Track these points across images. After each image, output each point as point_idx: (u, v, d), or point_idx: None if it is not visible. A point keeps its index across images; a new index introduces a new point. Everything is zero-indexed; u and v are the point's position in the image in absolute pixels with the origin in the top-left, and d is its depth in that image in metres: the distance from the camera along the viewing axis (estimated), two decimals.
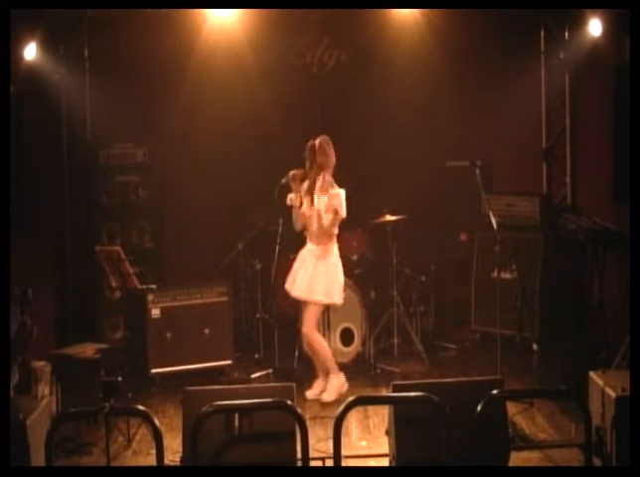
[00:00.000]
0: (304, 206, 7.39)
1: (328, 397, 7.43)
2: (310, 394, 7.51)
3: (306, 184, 7.39)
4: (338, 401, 7.10)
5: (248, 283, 8.86)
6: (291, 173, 7.37)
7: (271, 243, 8.39)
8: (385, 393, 7.27)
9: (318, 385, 7.59)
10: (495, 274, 7.81)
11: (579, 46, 8.42)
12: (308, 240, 7.51)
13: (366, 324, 8.29)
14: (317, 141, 7.31)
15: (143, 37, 8.71)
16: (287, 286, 7.56)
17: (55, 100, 8.83)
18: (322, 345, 7.56)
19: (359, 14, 8.57)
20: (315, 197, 7.34)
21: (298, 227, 7.49)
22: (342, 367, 7.84)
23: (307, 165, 7.37)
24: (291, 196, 7.41)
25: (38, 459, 5.41)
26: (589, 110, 8.85)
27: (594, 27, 7.93)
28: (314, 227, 7.41)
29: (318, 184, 7.32)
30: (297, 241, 7.73)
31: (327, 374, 7.56)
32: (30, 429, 5.47)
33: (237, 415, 5.45)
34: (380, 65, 9.28)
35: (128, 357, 8.20)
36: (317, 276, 7.38)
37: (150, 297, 8.07)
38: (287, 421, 5.34)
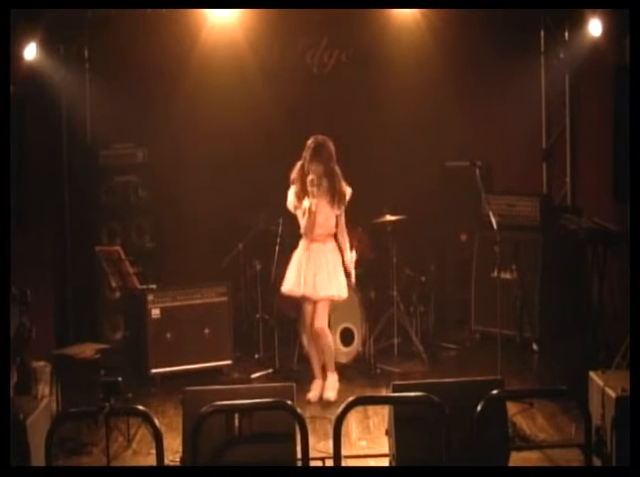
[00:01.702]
0: (313, 206, 7.33)
1: (333, 395, 7.44)
2: (313, 396, 7.48)
3: (313, 182, 7.27)
4: (338, 401, 7.13)
5: (248, 283, 8.86)
6: (309, 179, 7.26)
7: (271, 243, 8.39)
8: (385, 393, 7.27)
9: (317, 386, 7.57)
10: (495, 274, 7.80)
11: (579, 46, 8.42)
12: (314, 240, 7.42)
13: (366, 324, 8.29)
14: (322, 139, 7.28)
15: (143, 37, 8.72)
16: (296, 288, 7.46)
17: (55, 100, 8.82)
18: (331, 343, 7.62)
19: (359, 14, 8.57)
20: (335, 192, 7.33)
21: (311, 229, 7.38)
22: (342, 367, 7.85)
23: (315, 162, 7.26)
24: (312, 201, 7.26)
25: (38, 459, 5.41)
26: (589, 110, 8.86)
27: (594, 27, 7.93)
28: (328, 224, 7.39)
29: (336, 179, 7.32)
30: (297, 242, 7.73)
31: (325, 372, 7.57)
32: (30, 429, 5.46)
33: (237, 415, 5.45)
34: (380, 65, 9.27)
35: (128, 357, 8.20)
36: (335, 273, 7.44)
37: (150, 297, 8.07)
38: (287, 421, 5.35)
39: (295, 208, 7.43)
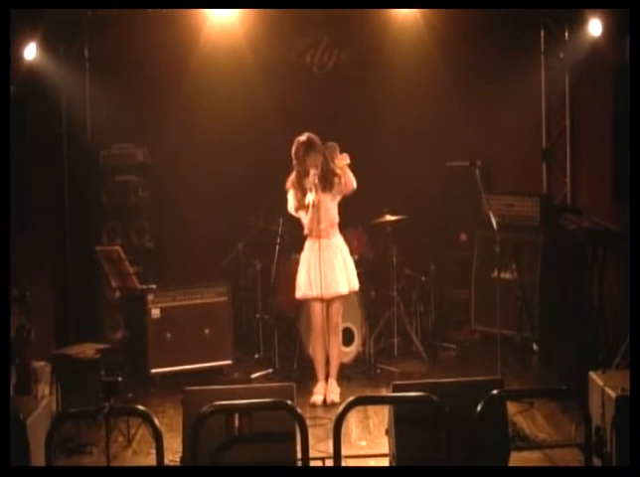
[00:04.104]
0: (317, 201, 7.36)
1: (337, 397, 7.43)
2: (317, 399, 7.45)
3: (317, 176, 7.33)
4: (339, 402, 7.14)
5: (248, 283, 8.86)
6: (312, 174, 7.32)
7: (271, 243, 8.39)
8: (385, 393, 7.27)
9: (320, 389, 7.54)
10: (495, 274, 7.82)
11: (579, 46, 8.42)
12: (320, 236, 7.42)
13: (366, 324, 8.29)
14: (306, 135, 7.33)
15: (143, 37, 8.72)
16: (308, 291, 7.45)
17: (55, 100, 8.82)
18: (340, 342, 7.75)
19: (359, 14, 8.57)
20: (328, 181, 7.36)
21: (315, 225, 7.40)
22: (342, 367, 7.84)
23: (312, 154, 7.31)
24: (316, 197, 7.29)
25: (38, 459, 5.41)
26: (589, 110, 8.85)
27: (594, 27, 7.93)
28: (330, 216, 7.40)
29: (327, 168, 7.36)
30: (297, 241, 7.73)
31: (327, 375, 7.57)
32: (30, 429, 5.46)
33: (237, 415, 5.45)
34: (380, 65, 9.27)
35: (128, 357, 8.21)
36: (345, 268, 7.50)
37: (150, 297, 8.07)
38: (287, 421, 5.35)
39: (297, 209, 7.45)
